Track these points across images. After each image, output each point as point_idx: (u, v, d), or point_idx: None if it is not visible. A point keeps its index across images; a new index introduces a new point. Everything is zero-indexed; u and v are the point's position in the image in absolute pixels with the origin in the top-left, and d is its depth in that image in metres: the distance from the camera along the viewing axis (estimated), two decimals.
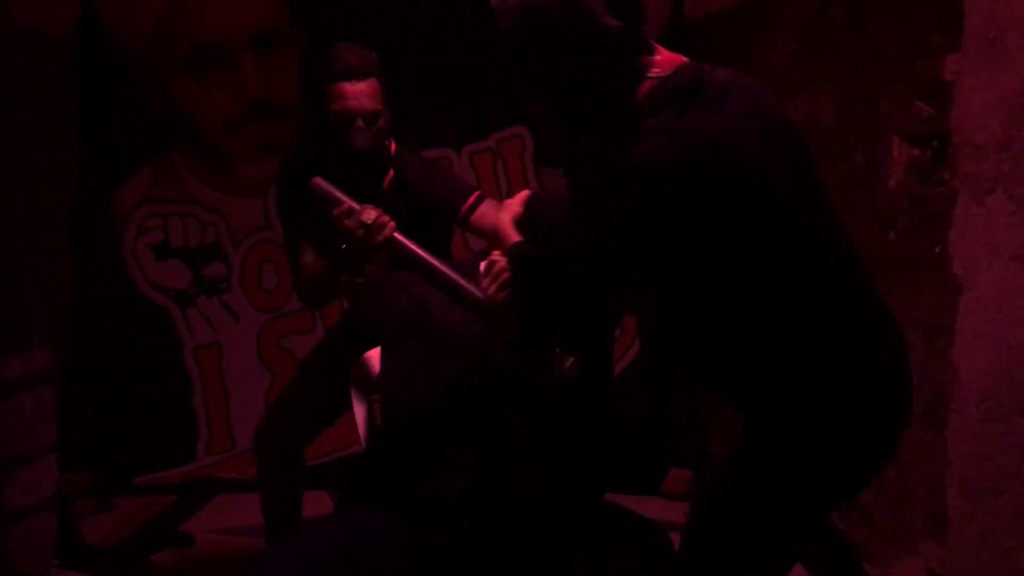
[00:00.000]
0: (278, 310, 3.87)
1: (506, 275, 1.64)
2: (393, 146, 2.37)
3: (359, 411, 1.97)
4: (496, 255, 1.72)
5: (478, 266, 1.83)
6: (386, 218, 1.98)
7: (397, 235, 1.98)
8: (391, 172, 2.34)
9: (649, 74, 1.51)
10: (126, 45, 3.75)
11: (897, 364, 1.63)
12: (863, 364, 1.56)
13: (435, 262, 1.92)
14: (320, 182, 2.05)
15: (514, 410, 1.64)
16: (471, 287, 1.82)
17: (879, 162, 2.79)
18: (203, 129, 3.82)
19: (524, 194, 1.80)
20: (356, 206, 2.00)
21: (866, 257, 2.84)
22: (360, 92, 2.17)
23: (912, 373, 1.68)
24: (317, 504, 2.61)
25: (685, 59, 1.59)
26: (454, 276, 1.87)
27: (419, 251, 1.95)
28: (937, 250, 2.44)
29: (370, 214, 1.97)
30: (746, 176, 1.47)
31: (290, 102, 3.80)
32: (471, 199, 2.41)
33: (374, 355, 2.00)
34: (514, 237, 1.68)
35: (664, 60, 1.56)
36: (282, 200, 2.41)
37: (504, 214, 1.75)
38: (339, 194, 2.03)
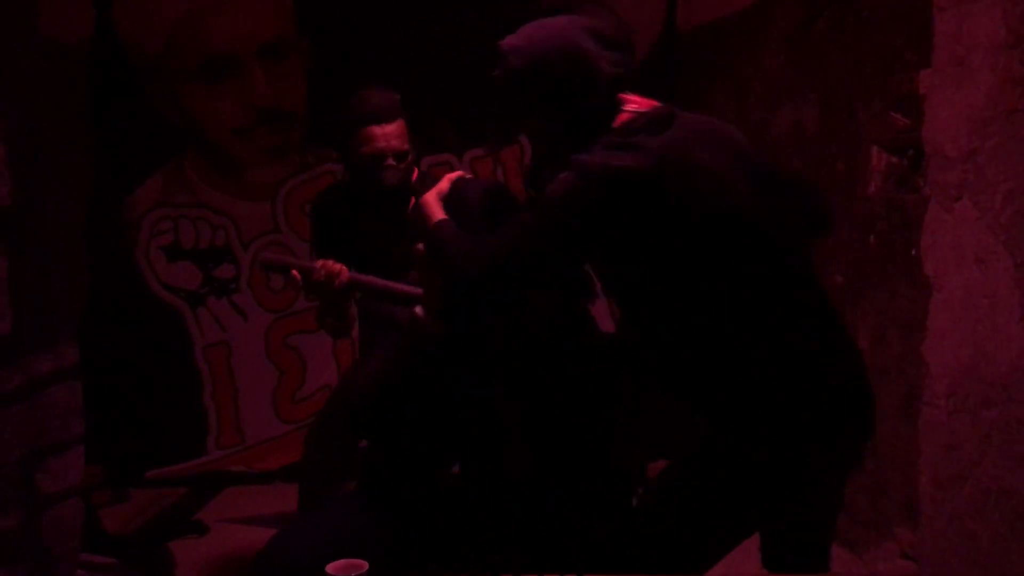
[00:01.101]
0: (285, 310, 3.98)
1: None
2: (416, 173, 2.50)
3: None
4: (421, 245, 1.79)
5: None
6: (336, 267, 2.16)
7: (352, 275, 2.17)
8: (413, 199, 2.46)
9: (626, 108, 1.68)
10: (139, 55, 3.86)
11: (852, 385, 1.75)
12: (816, 381, 1.68)
13: (387, 283, 2.14)
14: (266, 257, 2.33)
15: (506, 397, 1.77)
16: (412, 289, 2.01)
17: (859, 169, 2.94)
18: (213, 136, 3.93)
19: (454, 174, 1.89)
20: (307, 265, 2.19)
21: (847, 259, 3.03)
22: (389, 134, 2.32)
23: (871, 393, 1.80)
24: None
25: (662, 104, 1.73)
26: (402, 287, 2.09)
27: (373, 280, 2.16)
28: (913, 252, 2.58)
29: (320, 272, 2.15)
30: (699, 192, 1.60)
31: (297, 110, 3.93)
32: None
33: None
34: (439, 214, 1.75)
35: (643, 102, 1.71)
36: (314, 234, 2.56)
37: (431, 192, 1.82)
38: (288, 260, 2.26)
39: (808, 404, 1.68)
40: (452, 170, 3.95)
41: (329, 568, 1.31)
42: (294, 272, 2.18)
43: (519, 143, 4.01)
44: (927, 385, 2.41)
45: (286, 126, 3.93)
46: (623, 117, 1.67)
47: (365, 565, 1.32)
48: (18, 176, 2.28)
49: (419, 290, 1.85)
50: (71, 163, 3.11)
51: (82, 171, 3.34)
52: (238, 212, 3.95)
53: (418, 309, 1.75)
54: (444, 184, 1.83)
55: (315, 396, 3.95)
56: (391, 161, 2.35)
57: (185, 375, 3.91)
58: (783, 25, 3.30)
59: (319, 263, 2.18)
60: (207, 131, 3.93)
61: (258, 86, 3.88)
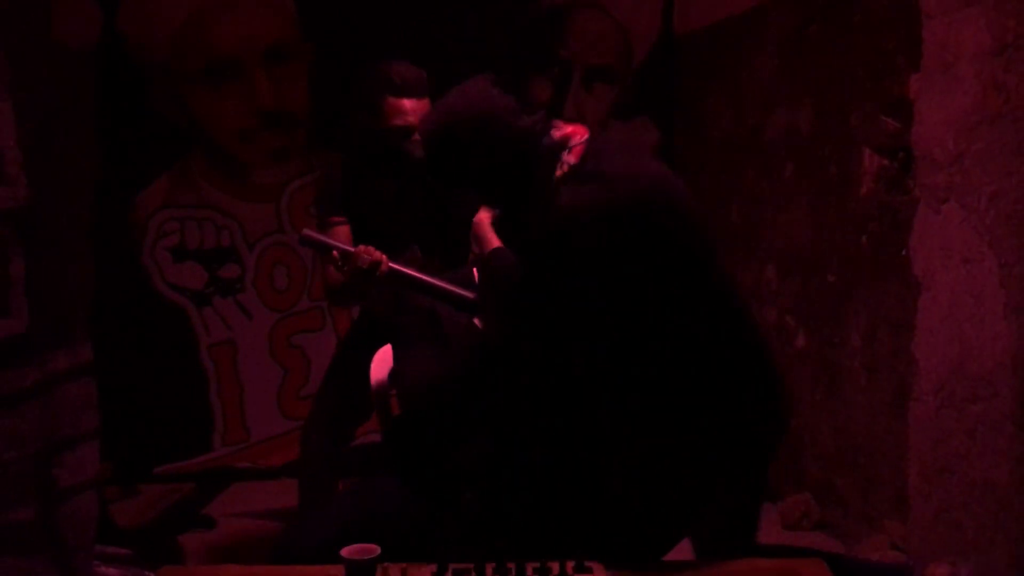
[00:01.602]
0: (289, 309, 4.05)
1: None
2: None
3: (377, 402, 2.18)
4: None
5: (472, 273, 2.05)
6: (377, 254, 2.14)
7: (391, 265, 2.14)
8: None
9: (563, 160, 1.72)
10: (145, 59, 3.93)
11: (765, 398, 1.88)
12: (736, 389, 1.82)
13: (427, 277, 2.08)
14: (309, 233, 2.23)
15: (525, 396, 1.86)
16: (461, 291, 2.00)
17: (851, 171, 3.01)
18: (218, 138, 4.00)
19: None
20: (350, 249, 2.16)
21: (840, 260, 3.10)
22: (420, 109, 2.31)
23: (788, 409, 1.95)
24: None
25: (586, 131, 1.78)
26: (445, 285, 2.04)
27: (412, 272, 2.10)
28: (903, 253, 2.65)
29: (364, 258, 2.12)
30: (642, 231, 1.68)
31: (300, 112, 3.99)
32: None
33: (386, 353, 2.21)
34: (495, 241, 1.85)
35: (571, 132, 1.75)
36: (322, 195, 2.54)
37: (483, 216, 1.90)
38: (330, 241, 2.21)
39: (730, 408, 1.83)
40: None
41: (343, 552, 1.38)
42: (334, 253, 2.17)
43: None
44: (916, 381, 2.49)
45: (289, 128, 4.00)
46: (576, 150, 1.72)
47: (377, 549, 1.39)
48: (32, 179, 2.35)
49: (468, 292, 1.93)
50: (80, 165, 3.18)
51: (90, 173, 3.41)
52: (243, 213, 4.02)
53: (477, 320, 1.84)
54: (488, 211, 1.90)
55: None
56: (417, 137, 2.26)
57: (191, 373, 3.98)
58: (777, 30, 3.37)
59: (360, 248, 2.15)
60: (212, 133, 4.00)
61: (261, 89, 3.95)
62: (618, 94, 4.06)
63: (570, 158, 1.72)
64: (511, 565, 1.35)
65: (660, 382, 1.77)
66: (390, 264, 2.14)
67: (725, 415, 1.81)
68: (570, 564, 1.38)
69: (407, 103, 2.31)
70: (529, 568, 1.35)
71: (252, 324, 4.04)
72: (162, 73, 3.95)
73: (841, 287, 3.09)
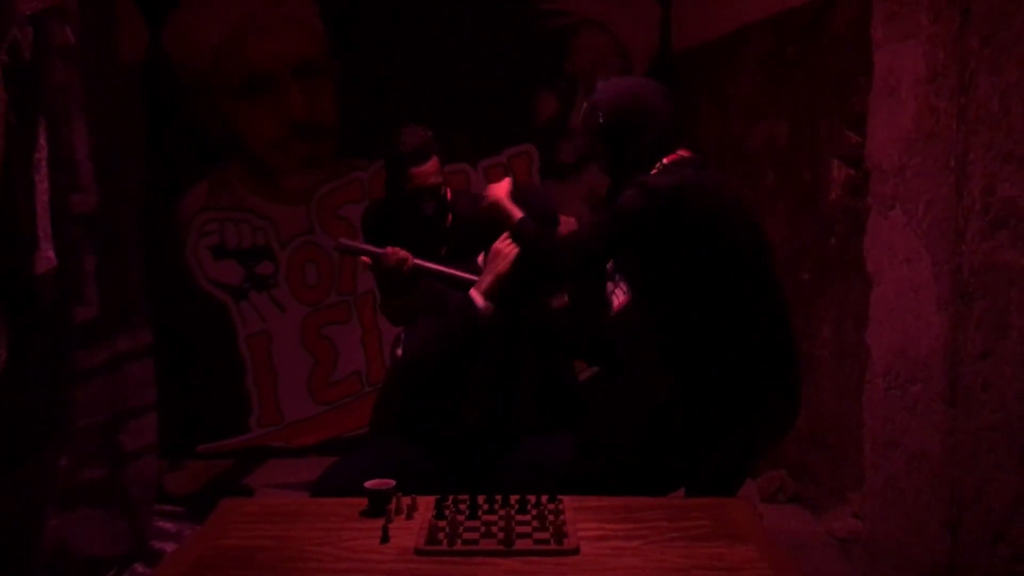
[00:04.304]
0: (319, 303, 4.38)
1: (513, 251, 2.26)
2: (449, 193, 2.77)
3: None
4: (498, 244, 2.30)
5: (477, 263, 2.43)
6: (403, 253, 2.46)
7: (416, 261, 2.48)
8: (450, 215, 2.78)
9: (679, 151, 2.20)
10: (187, 74, 4.26)
11: (786, 383, 2.21)
12: (755, 361, 2.15)
13: (443, 267, 2.46)
14: (344, 241, 2.61)
15: (523, 363, 2.30)
16: (468, 275, 2.39)
17: (822, 179, 3.32)
18: (253, 147, 4.33)
19: (507, 181, 2.38)
20: (377, 251, 2.49)
21: (812, 259, 3.43)
22: (426, 173, 2.59)
23: (797, 374, 2.25)
24: None
25: (688, 153, 2.25)
26: (456, 272, 2.43)
27: (432, 265, 2.48)
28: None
29: (391, 258, 2.46)
30: (695, 224, 2.11)
31: (328, 123, 4.32)
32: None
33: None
34: (517, 213, 2.28)
35: (687, 152, 2.22)
36: (365, 238, 2.82)
37: (502, 191, 2.33)
38: (362, 246, 2.56)
39: (746, 376, 2.14)
40: (467, 178, 4.39)
41: (367, 484, 1.74)
42: (364, 258, 2.50)
43: (527, 153, 4.43)
44: (869, 366, 2.80)
45: (318, 138, 4.32)
46: (672, 157, 2.18)
47: (393, 483, 1.74)
48: (100, 185, 2.72)
49: (473, 277, 2.32)
50: (131, 171, 3.56)
51: (139, 179, 3.79)
52: (276, 215, 4.35)
53: (474, 294, 2.23)
54: (507, 185, 2.34)
55: (345, 380, 4.38)
56: (428, 196, 2.63)
57: (230, 361, 4.31)
58: (758, 48, 3.67)
59: (388, 249, 2.47)
60: (248, 142, 4.33)
61: (293, 102, 4.29)
62: None
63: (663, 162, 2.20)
64: (498, 497, 1.70)
65: (689, 346, 2.15)
66: (414, 260, 2.47)
67: (742, 394, 2.13)
68: (544, 497, 1.73)
69: (414, 171, 2.59)
70: (512, 499, 1.70)
71: (285, 317, 4.36)
72: (202, 87, 4.27)
73: (813, 283, 3.39)
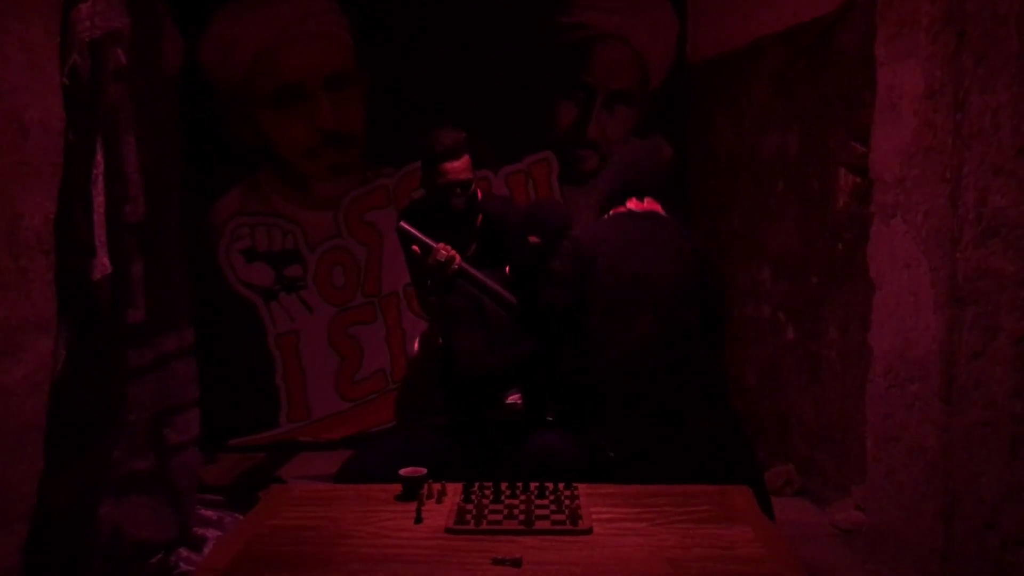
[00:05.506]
0: (345, 304, 4.56)
1: None
2: (480, 193, 2.95)
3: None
4: None
5: (504, 272, 2.61)
6: (453, 253, 2.57)
7: (463, 264, 2.59)
8: (480, 215, 2.94)
9: (626, 205, 2.51)
10: (221, 85, 4.46)
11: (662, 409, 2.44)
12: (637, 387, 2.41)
13: (486, 280, 2.58)
14: (405, 225, 2.69)
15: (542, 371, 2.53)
16: (508, 294, 2.56)
17: (830, 188, 3.46)
18: (284, 155, 4.53)
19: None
20: (433, 244, 2.58)
21: (820, 264, 3.58)
22: (457, 169, 2.75)
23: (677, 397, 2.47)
24: None
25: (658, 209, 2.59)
26: (499, 289, 2.58)
27: (477, 273, 2.59)
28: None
29: (442, 254, 2.55)
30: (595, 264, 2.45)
31: (356, 132, 4.50)
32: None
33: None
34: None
35: (638, 205, 2.55)
36: (403, 241, 2.96)
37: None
38: (419, 235, 2.64)
39: (627, 403, 2.41)
40: (491, 185, 4.54)
41: (401, 471, 1.91)
42: (414, 247, 2.60)
43: (546, 160, 4.59)
44: (871, 365, 2.94)
45: (347, 146, 4.51)
46: (619, 209, 2.52)
47: (425, 471, 1.92)
48: (148, 194, 2.89)
49: (512, 298, 2.53)
50: (170, 179, 3.73)
51: (176, 186, 3.97)
52: (306, 220, 4.53)
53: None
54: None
55: (371, 378, 4.56)
56: (458, 191, 2.79)
57: (260, 359, 4.50)
58: (770, 61, 3.82)
59: (440, 244, 2.57)
60: (279, 150, 4.52)
61: (323, 112, 4.47)
62: (636, 115, 4.56)
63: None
64: (519, 483, 1.87)
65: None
66: (461, 263, 2.59)
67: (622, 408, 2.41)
68: (561, 484, 1.90)
69: (447, 166, 2.75)
70: (532, 485, 1.87)
71: (313, 317, 4.54)
72: (236, 98, 4.47)
73: (822, 287, 3.54)
